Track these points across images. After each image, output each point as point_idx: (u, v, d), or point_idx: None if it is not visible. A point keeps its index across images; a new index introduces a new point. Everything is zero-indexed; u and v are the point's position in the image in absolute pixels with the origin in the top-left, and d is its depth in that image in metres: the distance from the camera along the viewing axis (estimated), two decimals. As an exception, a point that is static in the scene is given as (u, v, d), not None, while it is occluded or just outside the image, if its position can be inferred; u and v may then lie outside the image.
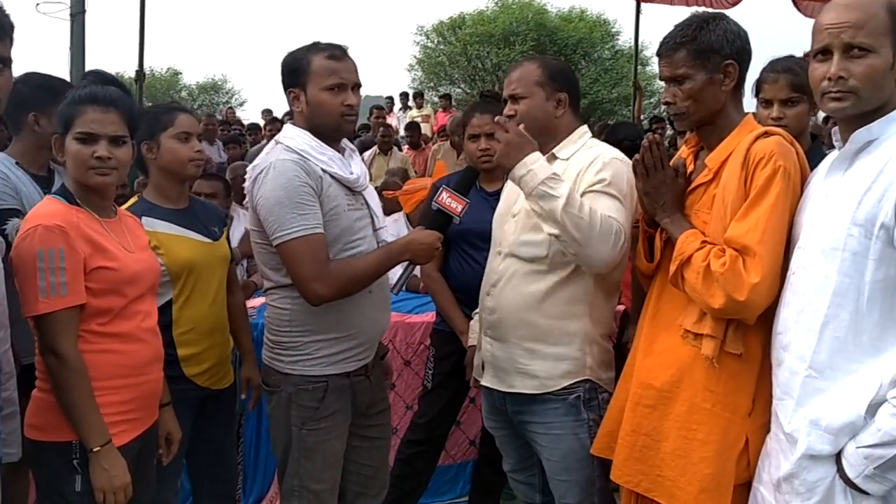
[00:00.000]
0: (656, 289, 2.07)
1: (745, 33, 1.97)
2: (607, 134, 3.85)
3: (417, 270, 2.63)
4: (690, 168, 2.07)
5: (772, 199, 1.79)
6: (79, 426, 1.86)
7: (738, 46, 1.94)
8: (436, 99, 18.54)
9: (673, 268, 1.92)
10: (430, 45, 25.32)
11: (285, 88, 2.30)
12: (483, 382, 2.42)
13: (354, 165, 2.34)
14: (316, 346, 2.26)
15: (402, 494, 3.01)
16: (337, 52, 2.26)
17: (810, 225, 1.72)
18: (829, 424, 1.60)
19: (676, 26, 1.99)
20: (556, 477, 2.29)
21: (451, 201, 2.27)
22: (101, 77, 2.04)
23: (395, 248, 2.26)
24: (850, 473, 1.56)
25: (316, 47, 2.28)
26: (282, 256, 2.18)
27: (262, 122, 10.07)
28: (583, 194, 2.15)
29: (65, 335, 1.86)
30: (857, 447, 1.55)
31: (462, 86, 23.70)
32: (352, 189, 2.31)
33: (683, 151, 2.15)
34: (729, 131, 1.97)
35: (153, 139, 2.42)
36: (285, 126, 2.37)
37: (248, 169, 2.33)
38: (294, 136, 2.25)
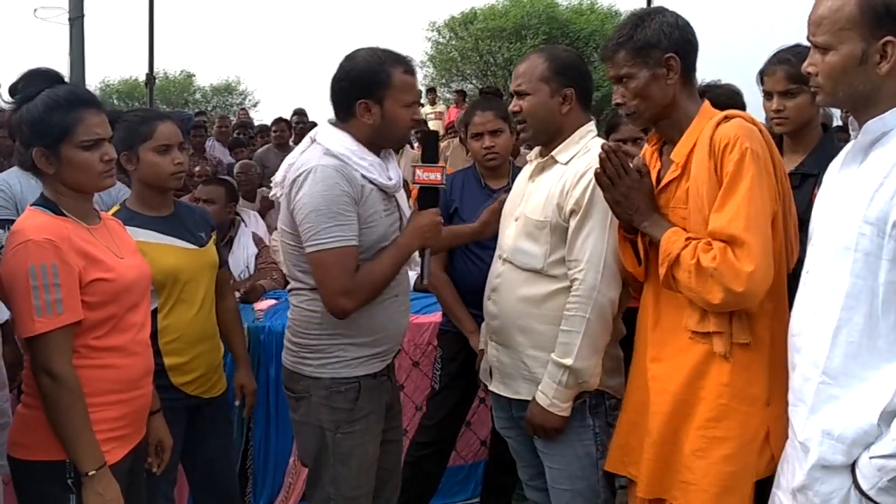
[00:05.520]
0: (651, 294, 2.01)
1: (685, 23, 1.95)
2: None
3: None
4: (658, 165, 2.02)
5: (747, 184, 1.76)
6: (73, 449, 1.79)
7: (676, 38, 1.92)
8: (448, 95, 18.49)
9: (662, 270, 1.87)
10: (441, 40, 25.27)
11: (352, 98, 2.16)
12: (491, 388, 2.38)
13: (392, 170, 2.27)
14: (345, 348, 2.21)
15: (412, 497, 2.98)
16: (411, 66, 2.23)
17: (824, 221, 1.65)
18: (841, 434, 1.53)
19: (616, 27, 2.00)
20: (557, 486, 2.23)
21: (428, 175, 2.25)
22: (50, 76, 1.92)
23: (403, 242, 2.21)
24: (864, 485, 1.49)
25: (390, 58, 2.19)
26: (312, 265, 2.13)
27: (270, 124, 10.01)
28: (570, 213, 2.12)
29: (60, 354, 1.77)
30: (871, 458, 1.48)
31: (474, 81, 23.61)
32: (387, 193, 2.26)
33: (646, 150, 2.10)
34: (688, 123, 1.93)
35: (132, 150, 2.34)
36: (323, 126, 2.25)
37: (284, 168, 2.24)
38: (334, 139, 2.16)
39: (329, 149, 2.14)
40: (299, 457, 2.36)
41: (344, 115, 2.22)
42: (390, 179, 2.22)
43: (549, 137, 2.25)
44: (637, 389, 2.03)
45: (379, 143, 2.22)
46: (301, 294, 2.25)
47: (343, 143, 2.15)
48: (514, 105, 2.27)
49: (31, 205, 1.91)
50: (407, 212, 2.37)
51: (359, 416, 2.22)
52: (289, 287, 2.34)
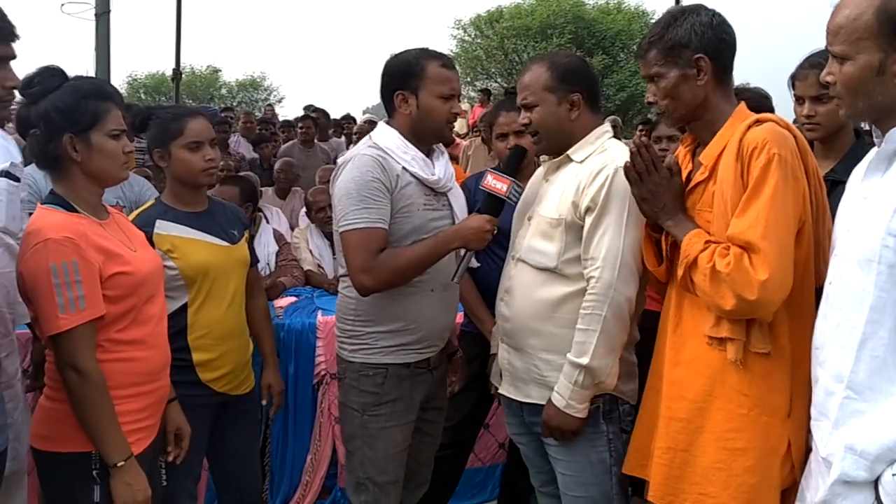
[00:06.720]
0: (674, 296, 1.98)
1: (721, 22, 1.91)
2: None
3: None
4: (690, 167, 2.00)
5: (770, 190, 1.72)
6: (101, 442, 1.83)
7: (709, 38, 1.88)
8: (472, 94, 18.45)
9: (680, 272, 1.86)
10: (466, 38, 25.27)
11: (391, 90, 2.32)
12: (501, 391, 2.36)
13: (438, 167, 2.36)
14: (376, 336, 2.33)
15: (428, 498, 2.97)
16: (448, 62, 2.34)
17: (846, 231, 1.60)
18: (865, 449, 1.49)
19: (652, 24, 1.99)
20: (569, 493, 2.20)
21: (495, 182, 2.27)
22: (63, 73, 1.93)
23: (443, 237, 2.26)
24: (887, 502, 1.45)
25: (426, 53, 2.33)
26: (341, 244, 2.27)
27: (296, 121, 10.10)
28: (586, 210, 2.10)
29: (84, 349, 1.80)
30: (894, 474, 1.44)
31: (499, 80, 23.58)
32: (434, 189, 2.34)
33: (680, 151, 2.08)
34: (721, 124, 1.90)
35: (164, 148, 2.39)
36: (379, 124, 2.41)
37: (339, 161, 2.41)
38: (383, 134, 2.33)
39: (376, 143, 2.30)
40: (342, 439, 2.51)
41: (388, 109, 2.38)
42: (433, 175, 2.31)
43: (563, 146, 2.24)
44: (655, 393, 2.00)
45: (419, 135, 2.32)
46: (344, 280, 2.40)
47: (390, 137, 2.31)
48: (523, 117, 2.27)
49: (42, 203, 1.92)
50: (460, 211, 2.43)
51: (385, 400, 2.32)
52: (339, 274, 2.48)
